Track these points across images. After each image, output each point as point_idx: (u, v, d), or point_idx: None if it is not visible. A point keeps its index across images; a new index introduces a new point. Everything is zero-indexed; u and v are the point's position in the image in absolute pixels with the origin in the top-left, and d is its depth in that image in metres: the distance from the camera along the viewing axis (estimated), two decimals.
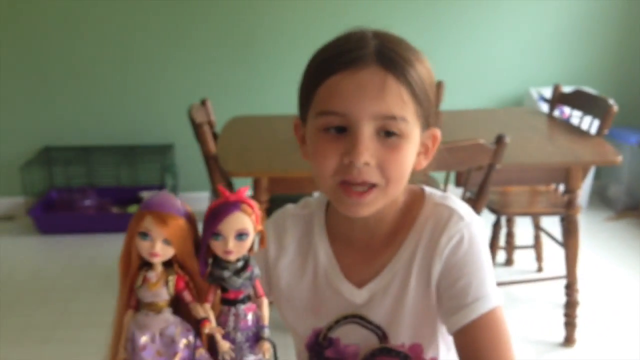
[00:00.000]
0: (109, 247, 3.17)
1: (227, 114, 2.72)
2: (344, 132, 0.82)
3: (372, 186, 0.82)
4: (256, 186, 2.04)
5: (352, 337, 0.94)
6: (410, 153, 0.84)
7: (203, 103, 2.53)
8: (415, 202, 0.94)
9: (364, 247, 0.94)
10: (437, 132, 0.89)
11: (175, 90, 3.54)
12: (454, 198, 0.93)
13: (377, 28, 0.87)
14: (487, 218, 2.41)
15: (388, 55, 0.81)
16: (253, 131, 2.46)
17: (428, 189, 0.96)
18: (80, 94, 3.54)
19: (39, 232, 3.37)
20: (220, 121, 2.59)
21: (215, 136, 2.39)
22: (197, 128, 2.17)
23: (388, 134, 0.81)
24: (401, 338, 0.93)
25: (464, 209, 0.91)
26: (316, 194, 1.06)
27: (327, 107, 0.82)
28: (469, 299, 0.86)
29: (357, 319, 0.93)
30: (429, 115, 0.85)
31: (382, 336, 0.93)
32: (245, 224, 0.65)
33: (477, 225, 0.90)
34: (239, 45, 3.49)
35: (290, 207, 1.02)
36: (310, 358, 0.99)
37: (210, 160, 2.16)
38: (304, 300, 0.97)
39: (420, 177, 0.99)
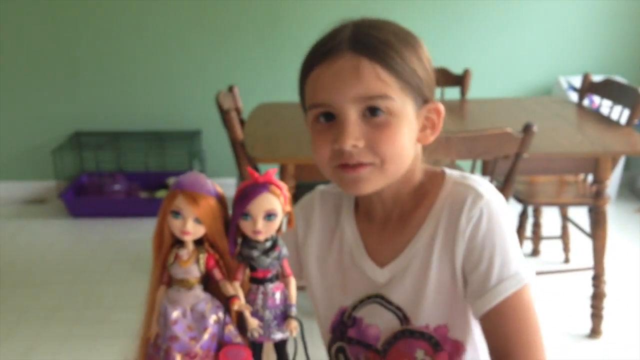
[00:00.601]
0: (137, 231, 3.23)
1: (255, 101, 2.74)
2: (334, 120, 0.84)
3: (368, 164, 0.84)
4: (282, 173, 2.06)
5: (373, 317, 0.95)
6: (404, 130, 0.85)
7: (230, 89, 2.55)
8: (434, 183, 0.94)
9: (383, 225, 0.96)
10: (439, 105, 0.90)
11: (203, 77, 3.57)
12: (474, 176, 0.93)
13: (365, 16, 0.89)
14: (513, 208, 2.40)
15: (361, 39, 0.83)
16: (280, 118, 2.47)
17: (448, 170, 0.96)
18: (110, 80, 3.60)
19: (69, 215, 3.44)
20: (247, 108, 2.61)
21: (242, 122, 2.41)
22: (224, 114, 2.19)
23: (374, 113, 0.83)
24: (424, 319, 0.93)
25: (484, 187, 0.90)
26: None
27: (313, 101, 0.86)
28: (492, 282, 0.86)
29: (379, 298, 0.94)
30: (422, 91, 0.86)
31: (403, 318, 0.93)
32: (273, 205, 0.66)
33: (498, 202, 0.89)
34: (266, 32, 3.51)
35: (321, 186, 1.05)
36: (333, 340, 1.01)
37: (237, 147, 2.18)
38: (332, 278, 0.99)
39: (446, 164, 1.00)
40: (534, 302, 0.87)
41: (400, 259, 0.93)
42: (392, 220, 0.95)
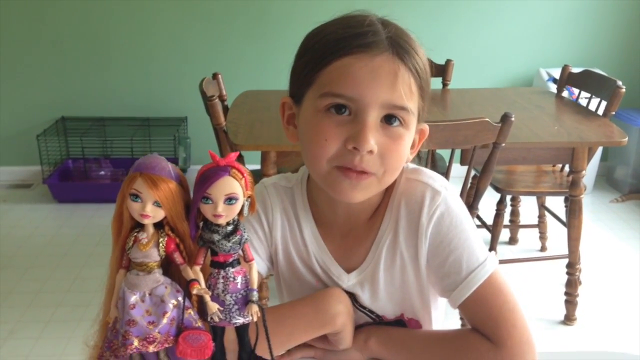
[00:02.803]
0: None
1: (239, 89, 2.74)
2: (346, 114, 0.79)
3: (370, 174, 0.81)
4: (264, 160, 2.07)
5: None
6: (408, 144, 0.83)
7: (214, 77, 2.56)
8: None
9: (347, 233, 0.93)
10: (426, 127, 0.89)
11: (189, 64, 3.57)
12: (425, 170, 0.92)
13: (380, 16, 0.84)
14: (491, 196, 2.43)
15: (400, 44, 0.79)
16: (263, 105, 2.48)
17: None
18: (96, 65, 3.58)
19: (55, 200, 3.44)
20: (232, 95, 2.62)
21: (226, 110, 2.42)
22: (207, 101, 2.20)
23: (390, 122, 0.79)
24: (398, 312, 0.95)
25: (438, 182, 0.90)
26: None
27: (336, 89, 0.78)
28: (463, 273, 0.86)
29: (352, 299, 0.93)
30: (424, 109, 0.85)
31: (377, 317, 0.95)
32: (234, 189, 0.65)
33: (453, 196, 0.89)
34: (252, 21, 3.50)
35: (266, 179, 0.99)
36: None
37: (220, 133, 2.19)
38: (302, 276, 0.96)
39: (424, 155, 0.99)
40: (507, 284, 0.88)
41: (365, 264, 0.92)
42: (357, 226, 0.93)
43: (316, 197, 0.94)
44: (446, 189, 0.89)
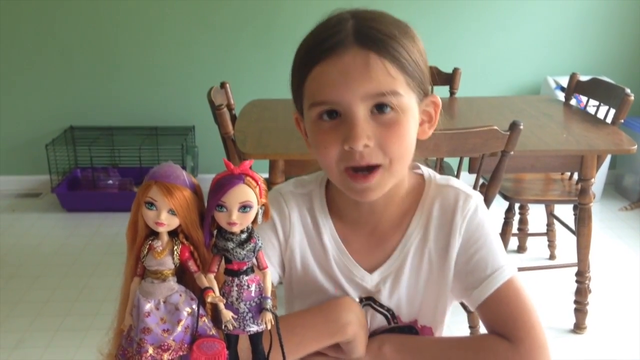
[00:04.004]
0: None
1: (247, 97, 2.75)
2: (339, 117, 0.80)
3: (377, 167, 0.81)
4: (272, 168, 2.08)
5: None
6: (411, 126, 0.82)
7: (222, 86, 2.57)
8: (416, 185, 0.95)
9: (371, 231, 0.94)
10: (436, 98, 0.88)
11: (197, 73, 3.58)
12: (455, 179, 0.96)
13: (357, 7, 0.85)
14: (500, 204, 2.42)
15: (366, 32, 0.79)
16: (270, 114, 2.49)
17: (425, 170, 0.97)
18: (104, 75, 3.60)
19: (63, 209, 3.46)
20: (240, 104, 2.63)
21: (234, 119, 2.43)
22: (215, 110, 2.21)
23: (382, 110, 0.80)
24: (413, 316, 0.95)
25: (468, 188, 0.94)
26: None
27: (318, 98, 0.81)
28: (488, 271, 0.89)
29: (371, 301, 0.94)
30: (424, 84, 0.84)
31: (392, 317, 0.95)
32: (248, 197, 0.65)
33: (482, 201, 0.94)
34: (260, 30, 3.52)
35: (281, 186, 0.99)
36: None
37: (228, 142, 2.19)
38: (318, 283, 0.95)
39: (433, 162, 1.00)
40: (525, 289, 0.90)
41: (391, 261, 0.93)
42: (382, 224, 0.93)
43: (338, 199, 0.94)
44: (476, 194, 0.94)
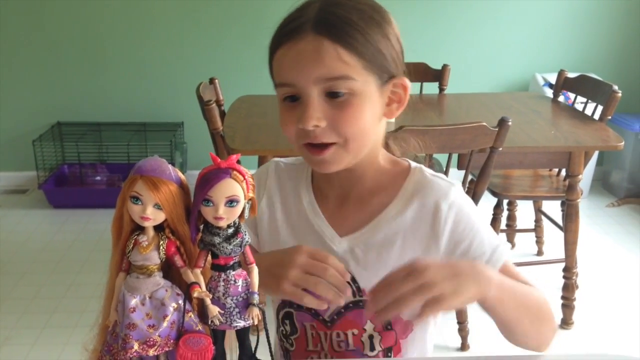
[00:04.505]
0: None
1: (236, 93, 2.74)
2: (297, 100, 0.86)
3: (331, 144, 0.86)
4: (261, 164, 2.07)
5: None
6: (366, 108, 0.86)
7: (211, 81, 2.56)
8: (399, 169, 0.98)
9: (339, 202, 0.98)
10: (405, 80, 0.91)
11: (186, 69, 3.56)
12: (439, 173, 0.98)
13: None
14: (488, 200, 2.43)
15: (325, 19, 0.83)
16: (259, 110, 2.48)
17: (414, 163, 1.00)
18: (93, 70, 3.58)
19: (50, 205, 3.43)
20: (229, 100, 2.62)
21: (223, 114, 2.42)
22: (204, 106, 2.20)
23: (336, 94, 0.84)
24: None
25: (450, 179, 0.97)
26: None
27: (277, 79, 0.87)
28: (487, 255, 0.91)
29: None
30: (388, 67, 0.87)
31: (357, 290, 0.96)
32: (235, 191, 0.65)
33: (462, 189, 0.96)
34: (249, 26, 3.51)
35: (282, 158, 1.08)
36: (282, 305, 1.01)
37: (217, 138, 2.19)
38: (285, 243, 0.98)
39: (422, 159, 1.02)
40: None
41: (362, 232, 0.95)
42: (350, 199, 0.97)
43: (314, 172, 1.02)
44: (459, 184, 0.97)
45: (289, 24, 0.85)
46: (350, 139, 0.86)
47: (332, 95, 0.84)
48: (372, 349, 0.97)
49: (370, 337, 0.97)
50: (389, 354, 0.98)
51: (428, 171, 0.98)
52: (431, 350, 1.05)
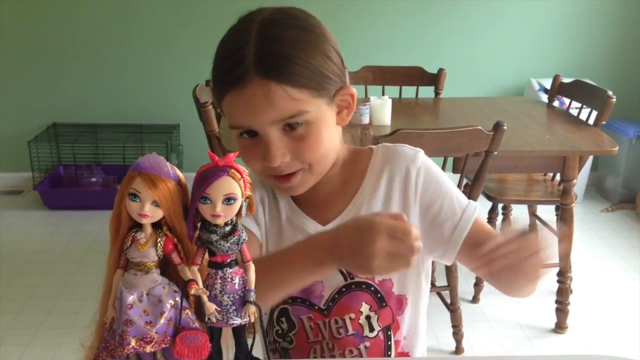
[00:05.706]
0: None
1: None
2: (257, 135, 0.87)
3: (297, 171, 0.90)
4: None
5: None
6: (324, 133, 0.89)
7: (207, 83, 2.56)
8: (363, 155, 1.01)
9: (315, 203, 1.00)
10: (351, 89, 0.92)
11: (182, 71, 3.56)
12: (401, 144, 1.02)
13: (268, 13, 0.91)
14: (483, 205, 2.44)
15: (267, 60, 0.83)
16: None
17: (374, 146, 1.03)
18: (89, 72, 3.58)
19: (45, 206, 3.42)
20: None
21: (219, 116, 2.42)
22: (201, 107, 2.21)
23: (293, 128, 0.86)
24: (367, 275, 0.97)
25: (412, 147, 1.01)
26: None
27: (233, 123, 0.88)
28: (458, 213, 0.95)
29: None
30: (333, 85, 0.88)
31: (347, 273, 0.97)
32: (233, 189, 0.65)
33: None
34: None
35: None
36: (276, 305, 1.01)
37: (213, 140, 2.19)
38: (272, 246, 1.00)
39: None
40: None
41: (342, 216, 0.97)
42: (323, 198, 0.99)
43: None
44: (421, 150, 1.00)
45: (232, 70, 0.84)
46: (314, 163, 0.90)
47: (290, 128, 0.86)
48: (372, 329, 0.99)
49: (368, 317, 0.98)
50: (389, 333, 1.00)
51: (390, 144, 1.02)
52: (424, 327, 1.06)
